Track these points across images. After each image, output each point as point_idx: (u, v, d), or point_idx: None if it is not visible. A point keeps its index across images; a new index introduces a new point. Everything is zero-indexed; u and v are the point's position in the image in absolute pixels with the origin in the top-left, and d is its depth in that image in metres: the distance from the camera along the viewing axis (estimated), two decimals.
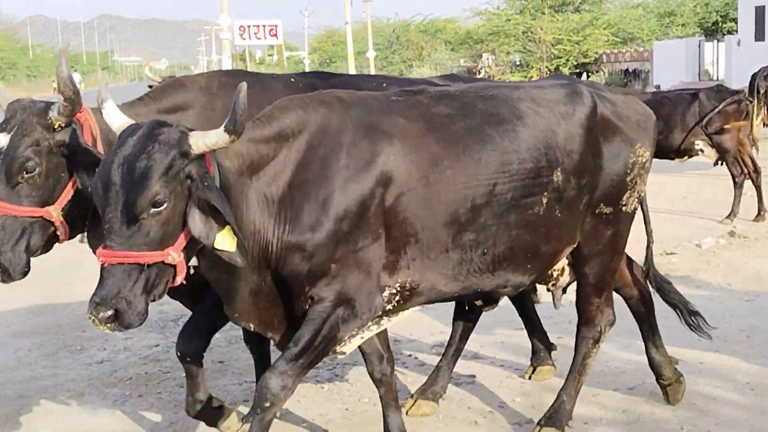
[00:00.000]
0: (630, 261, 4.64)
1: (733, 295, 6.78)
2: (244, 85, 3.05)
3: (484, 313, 4.56)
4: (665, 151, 10.00)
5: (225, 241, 3.06)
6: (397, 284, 3.55)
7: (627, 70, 37.38)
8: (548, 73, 37.78)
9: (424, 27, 51.22)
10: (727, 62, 32.97)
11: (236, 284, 3.33)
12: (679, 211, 10.44)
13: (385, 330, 3.92)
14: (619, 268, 4.38)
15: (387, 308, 3.59)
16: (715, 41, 36.49)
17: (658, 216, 9.87)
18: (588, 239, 4.04)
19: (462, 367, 5.04)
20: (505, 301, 4.35)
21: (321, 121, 3.45)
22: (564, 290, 4.37)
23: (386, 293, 3.55)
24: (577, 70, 38.28)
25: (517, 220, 3.72)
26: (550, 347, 5.13)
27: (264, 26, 36.67)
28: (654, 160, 10.65)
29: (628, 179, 4.07)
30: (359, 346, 3.84)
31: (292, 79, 4.48)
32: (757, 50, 28.47)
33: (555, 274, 4.19)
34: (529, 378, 5.02)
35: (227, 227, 3.06)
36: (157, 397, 4.87)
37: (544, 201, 3.79)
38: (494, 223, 3.67)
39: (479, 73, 39.19)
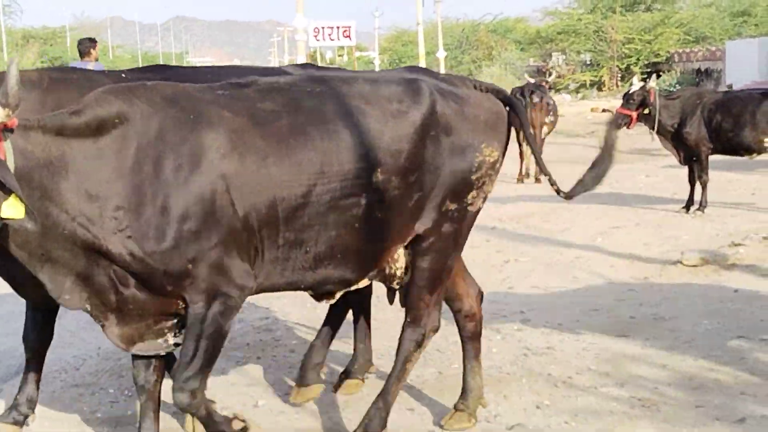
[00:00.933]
0: (468, 276, 4.55)
1: None
2: (15, 58, 3.13)
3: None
4: (735, 148, 10.38)
5: (11, 209, 3.07)
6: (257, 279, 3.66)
7: (699, 69, 37.22)
8: (619, 72, 37.88)
9: (493, 27, 51.44)
10: None
11: (54, 266, 3.37)
12: (748, 206, 10.77)
13: None
14: (453, 272, 4.27)
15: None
16: None
17: (726, 211, 10.30)
18: (428, 235, 4.00)
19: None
20: None
21: (142, 114, 3.43)
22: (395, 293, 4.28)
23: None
24: (648, 69, 38.19)
25: (336, 220, 3.72)
26: (369, 362, 5.03)
27: (338, 27, 37.30)
28: (724, 157, 11.06)
29: (473, 178, 4.00)
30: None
31: (123, 74, 4.41)
32: None
33: (398, 272, 4.13)
34: (335, 391, 4.88)
35: (13, 195, 3.06)
36: (273, 359, 5.51)
37: (364, 202, 3.76)
38: (315, 222, 3.67)
39: (549, 72, 39.38)
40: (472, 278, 4.57)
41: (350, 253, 3.83)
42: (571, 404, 4.70)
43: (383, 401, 4.18)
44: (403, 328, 4.22)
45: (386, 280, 4.17)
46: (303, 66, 5.05)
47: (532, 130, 13.82)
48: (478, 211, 4.16)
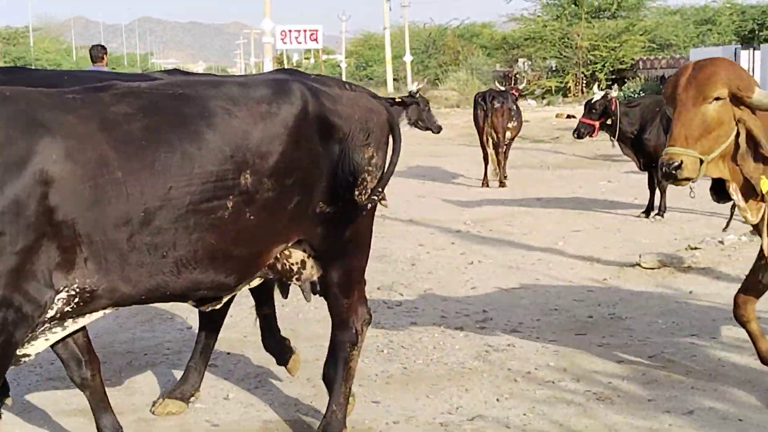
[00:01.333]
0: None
1: None
2: None
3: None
4: None
5: None
6: (75, 285, 3.45)
7: (663, 76, 37.79)
8: (584, 78, 38.35)
9: (460, 32, 51.78)
10: (762, 70, 33.32)
11: None
12: (705, 211, 11.05)
13: (85, 333, 4.00)
14: (364, 269, 4.32)
15: (66, 310, 3.51)
16: (751, 49, 36.85)
17: (684, 216, 10.58)
18: (318, 239, 4.01)
19: None
20: None
21: None
22: (314, 285, 4.25)
23: (63, 294, 3.44)
24: (614, 76, 38.71)
25: (198, 223, 3.59)
26: (196, 387, 4.87)
27: (305, 31, 37.48)
28: None
29: (352, 178, 3.99)
30: (57, 351, 3.96)
31: None
32: None
33: (295, 267, 4.12)
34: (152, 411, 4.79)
35: None
36: (241, 355, 5.69)
37: (230, 204, 3.65)
38: (172, 226, 3.54)
39: (516, 79, 39.72)
40: None
41: (220, 256, 3.71)
42: (529, 397, 4.91)
43: (336, 404, 4.25)
44: (332, 330, 4.29)
45: (283, 276, 4.14)
46: (170, 72, 5.07)
47: (495, 135, 14.17)
48: (371, 209, 4.11)
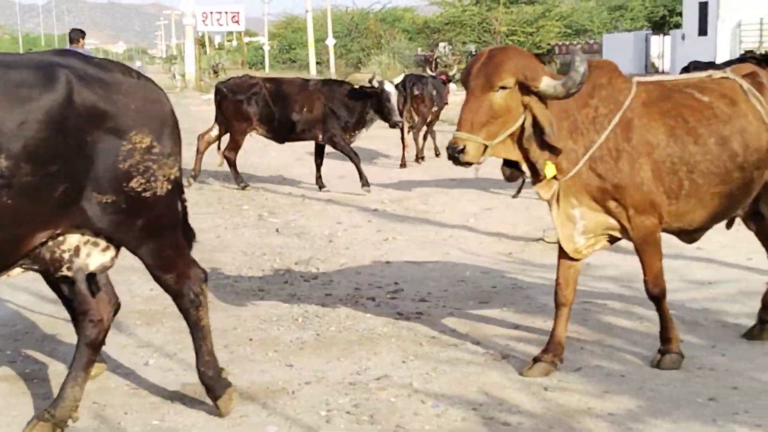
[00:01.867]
0: (108, 285, 4.49)
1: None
2: None
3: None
4: None
5: None
6: None
7: None
8: None
9: (382, 16, 52.14)
10: (672, 55, 34.44)
11: None
12: None
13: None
14: (180, 244, 4.33)
15: None
16: (662, 35, 38.00)
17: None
18: (105, 227, 4.00)
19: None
20: None
21: None
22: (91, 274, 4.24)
23: None
24: None
25: None
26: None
27: (226, 12, 37.45)
28: None
29: (126, 166, 3.93)
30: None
31: None
32: (700, 44, 29.89)
33: (66, 255, 4.08)
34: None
35: None
36: (160, 325, 5.98)
37: None
38: None
39: (436, 62, 40.23)
40: (112, 288, 4.55)
41: None
42: (433, 358, 5.29)
43: (202, 364, 4.42)
44: (175, 303, 4.37)
45: (51, 266, 4.08)
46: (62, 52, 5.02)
47: (413, 120, 14.56)
48: (160, 197, 4.07)
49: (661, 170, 4.88)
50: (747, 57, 16.81)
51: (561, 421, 4.44)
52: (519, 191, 7.13)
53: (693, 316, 6.05)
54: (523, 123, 4.62)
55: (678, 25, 36.36)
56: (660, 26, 40.75)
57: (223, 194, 11.82)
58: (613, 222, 4.93)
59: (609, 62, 5.10)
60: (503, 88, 4.52)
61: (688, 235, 5.34)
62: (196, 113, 22.49)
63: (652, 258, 5.00)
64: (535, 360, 5.08)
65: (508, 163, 4.87)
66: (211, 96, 13.84)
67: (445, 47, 43.98)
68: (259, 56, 55.73)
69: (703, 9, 31.01)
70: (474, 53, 41.46)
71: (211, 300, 6.44)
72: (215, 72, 39.44)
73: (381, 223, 9.78)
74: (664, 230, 5.12)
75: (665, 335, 5.15)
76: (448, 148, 4.54)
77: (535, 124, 4.62)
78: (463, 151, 4.50)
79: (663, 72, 34.54)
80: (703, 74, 5.39)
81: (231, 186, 12.33)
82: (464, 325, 5.94)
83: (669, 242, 5.24)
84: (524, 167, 4.78)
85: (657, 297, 5.09)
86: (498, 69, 4.51)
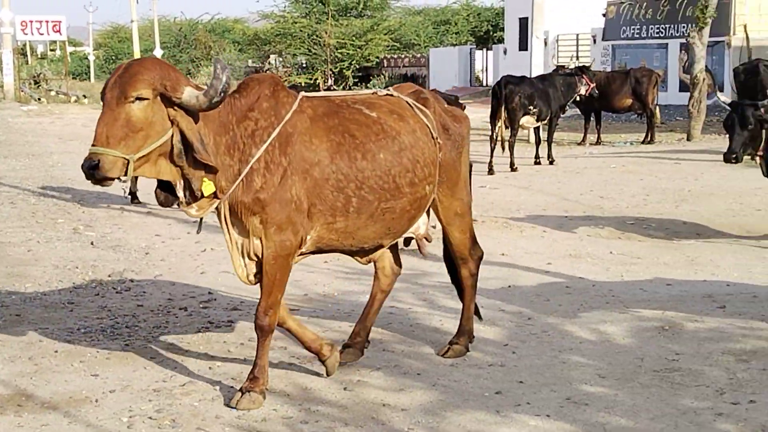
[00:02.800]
0: None
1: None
2: None
3: None
4: None
5: None
6: None
7: (406, 74, 39.64)
8: (333, 75, 39.49)
9: (211, 26, 51.79)
10: (495, 69, 35.78)
11: None
12: None
13: None
14: None
15: None
16: (485, 49, 39.44)
17: None
18: None
19: None
20: None
21: None
22: None
23: None
24: (360, 74, 40.15)
25: None
26: None
27: (47, 21, 36.27)
28: None
29: None
30: None
31: None
32: (521, 59, 31.17)
33: None
34: None
35: None
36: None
37: None
38: None
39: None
40: None
41: None
42: (240, 363, 5.42)
43: None
44: None
45: None
46: None
47: None
48: None
49: (323, 187, 4.74)
50: (558, 69, 17.72)
51: (359, 415, 4.67)
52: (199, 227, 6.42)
53: (490, 317, 6.41)
54: (174, 138, 4.43)
55: (501, 40, 37.79)
56: (484, 41, 42.25)
57: (38, 208, 11.53)
58: (257, 243, 4.71)
59: (272, 75, 4.98)
60: (140, 99, 4.33)
61: (364, 253, 5.30)
62: (15, 125, 21.76)
63: (277, 285, 4.79)
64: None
65: (162, 187, 4.66)
66: (32, 107, 13.48)
67: (275, 59, 44.14)
68: (84, 66, 54.22)
69: (524, 25, 32.36)
70: (304, 65, 41.89)
71: (18, 313, 6.41)
72: (36, 82, 38.11)
73: (200, 235, 9.75)
74: (339, 250, 5.09)
75: (254, 374, 4.81)
76: (83, 166, 4.30)
77: (185, 139, 4.44)
78: (97, 166, 4.26)
79: (486, 86, 35.82)
80: (369, 91, 5.38)
81: (47, 200, 12.05)
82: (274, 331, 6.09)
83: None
84: (178, 189, 4.57)
85: (264, 329, 4.81)
86: (133, 79, 4.35)
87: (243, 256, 4.78)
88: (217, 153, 4.55)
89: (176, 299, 6.99)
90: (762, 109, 8.54)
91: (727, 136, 8.90)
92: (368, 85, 36.02)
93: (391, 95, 5.27)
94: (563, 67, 16.45)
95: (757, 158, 8.88)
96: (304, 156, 4.71)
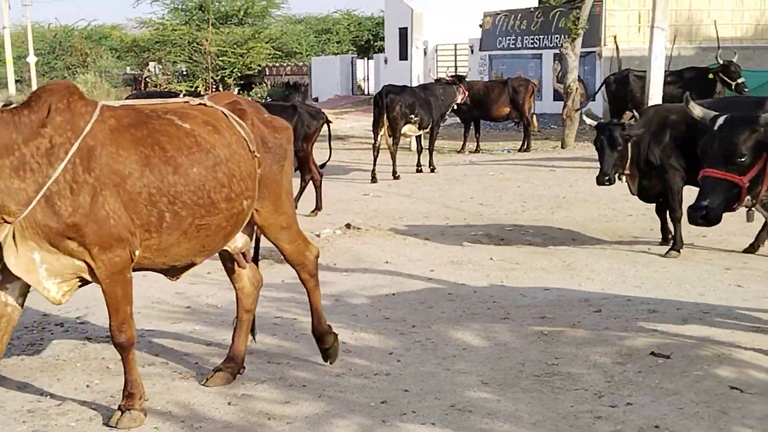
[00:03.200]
0: None
1: (335, 271, 8.35)
2: None
3: None
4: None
5: None
6: None
7: (288, 83, 39.50)
8: (214, 83, 39.02)
9: (88, 33, 50.45)
10: (376, 78, 35.99)
11: None
12: (311, 208, 11.97)
13: None
14: None
15: None
16: (366, 59, 39.65)
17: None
18: None
19: None
20: None
21: None
22: None
23: None
24: (242, 82, 39.81)
25: None
26: None
27: None
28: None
29: None
30: None
31: None
32: (402, 68, 31.43)
33: None
34: None
35: None
36: None
37: None
38: None
39: (145, 82, 39.58)
40: None
41: None
42: (119, 380, 5.26)
43: None
44: None
45: None
46: None
47: None
48: None
49: (137, 202, 4.48)
50: (439, 79, 17.91)
51: (244, 430, 4.61)
52: None
53: (375, 326, 6.44)
54: None
55: (382, 50, 38.05)
56: (365, 50, 42.46)
57: None
58: (79, 263, 4.45)
59: (67, 84, 4.61)
60: None
61: (176, 272, 5.05)
62: None
63: (122, 301, 4.60)
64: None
65: None
66: None
67: (155, 66, 43.33)
68: None
69: (403, 35, 32.62)
70: (184, 73, 41.25)
71: None
72: None
73: None
74: (149, 268, 4.86)
75: (128, 390, 4.72)
76: None
77: None
78: None
79: (368, 94, 36.01)
80: (181, 100, 5.16)
81: None
82: (156, 345, 5.98)
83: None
84: None
85: (123, 345, 4.66)
86: None
87: (42, 279, 4.42)
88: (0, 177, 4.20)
89: (51, 315, 6.78)
90: (628, 128, 8.61)
91: (597, 157, 8.84)
92: (250, 93, 35.75)
93: (205, 105, 5.02)
94: (440, 80, 16.63)
95: (624, 177, 8.85)
96: (114, 169, 4.41)
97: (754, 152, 5.04)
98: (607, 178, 8.64)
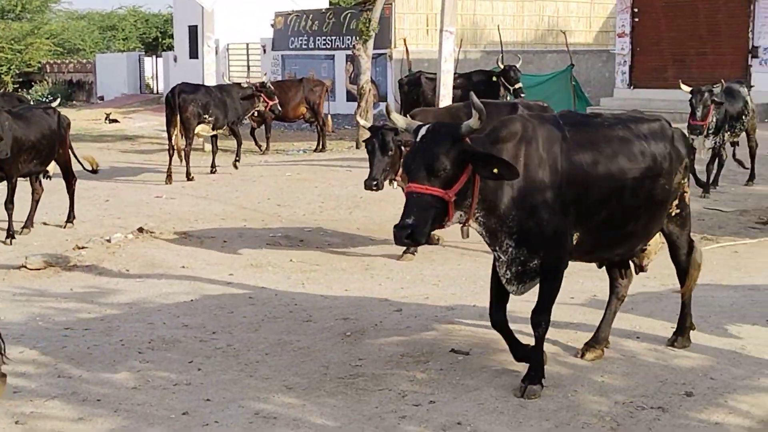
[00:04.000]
0: None
1: (128, 278, 8.03)
2: None
3: None
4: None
5: None
6: None
7: (72, 80, 37.87)
8: None
9: None
10: (165, 77, 35.07)
11: None
12: (100, 213, 11.48)
13: None
14: None
15: None
16: (155, 56, 38.60)
17: (81, 217, 10.86)
18: None
19: None
20: None
21: None
22: None
23: None
24: (21, 79, 37.85)
25: None
26: None
27: None
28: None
29: None
30: None
31: None
32: (192, 66, 30.81)
33: None
34: None
35: None
36: None
37: None
38: None
39: None
40: None
41: None
42: None
43: None
44: None
45: None
46: None
47: None
48: None
49: None
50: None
51: None
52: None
53: (173, 334, 6.22)
54: None
55: (171, 47, 37.14)
56: (153, 48, 41.30)
57: None
58: None
59: None
60: None
61: None
62: None
63: None
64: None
65: None
66: None
67: None
68: None
69: (194, 33, 31.99)
70: None
71: None
72: None
73: None
74: None
75: None
76: None
77: None
78: None
79: (157, 93, 35.10)
80: None
81: None
82: None
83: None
84: None
85: None
86: None
87: None
88: None
89: None
90: (401, 134, 7.91)
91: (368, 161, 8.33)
92: (29, 91, 34.03)
93: None
94: (239, 84, 16.18)
95: (395, 183, 8.53)
96: None
97: (458, 163, 4.66)
98: (375, 183, 8.18)
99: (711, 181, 12.28)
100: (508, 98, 16.03)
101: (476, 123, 4.70)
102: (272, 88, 15.78)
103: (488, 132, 5.01)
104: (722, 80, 12.15)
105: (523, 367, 5.31)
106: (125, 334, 6.22)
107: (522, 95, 15.89)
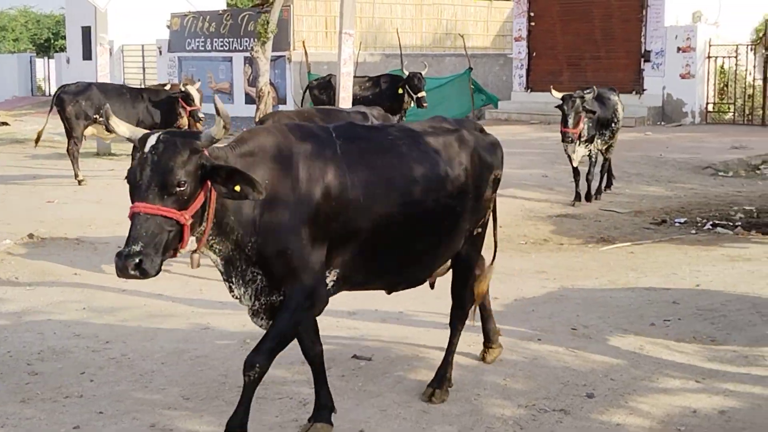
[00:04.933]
0: None
1: (17, 286, 7.72)
2: None
3: None
4: None
5: None
6: None
7: None
8: None
9: None
10: (58, 78, 34.15)
11: None
12: None
13: None
14: None
15: None
16: (47, 58, 37.56)
17: None
18: None
19: None
20: None
21: None
22: None
23: None
24: None
25: None
26: None
27: None
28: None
29: None
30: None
31: None
32: (86, 67, 30.06)
33: None
34: None
35: None
36: None
37: None
38: None
39: None
40: None
41: None
42: None
43: None
44: None
45: None
46: None
47: None
48: None
49: None
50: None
51: None
52: None
53: (64, 344, 5.98)
54: None
55: (63, 48, 36.17)
56: (45, 49, 40.21)
57: None
58: None
59: None
60: None
61: None
62: None
63: None
64: None
65: None
66: None
67: None
68: None
69: (87, 34, 31.20)
70: None
71: None
72: None
73: None
74: None
75: None
76: None
77: None
78: None
79: (49, 95, 34.14)
80: None
81: None
82: None
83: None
84: None
85: None
86: None
87: None
88: None
89: None
90: None
91: None
92: None
93: None
94: (163, 85, 15.48)
95: None
96: None
97: (197, 179, 3.96)
98: None
99: (602, 186, 12.37)
100: (413, 105, 16.02)
101: (220, 132, 4.00)
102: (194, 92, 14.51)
103: (233, 143, 4.28)
104: (594, 86, 11.85)
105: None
106: (13, 345, 5.96)
107: (424, 105, 15.78)
